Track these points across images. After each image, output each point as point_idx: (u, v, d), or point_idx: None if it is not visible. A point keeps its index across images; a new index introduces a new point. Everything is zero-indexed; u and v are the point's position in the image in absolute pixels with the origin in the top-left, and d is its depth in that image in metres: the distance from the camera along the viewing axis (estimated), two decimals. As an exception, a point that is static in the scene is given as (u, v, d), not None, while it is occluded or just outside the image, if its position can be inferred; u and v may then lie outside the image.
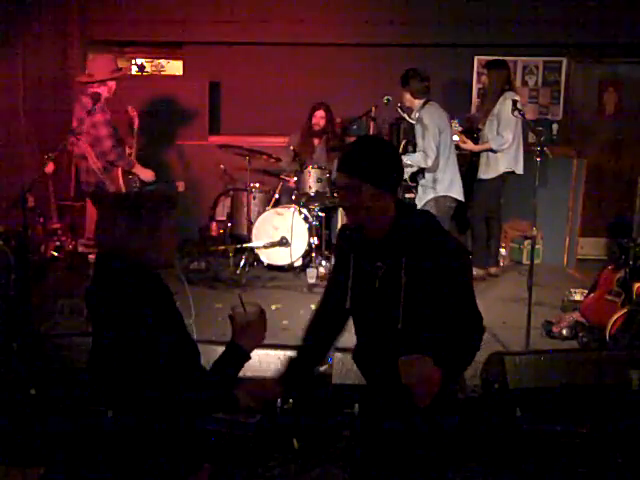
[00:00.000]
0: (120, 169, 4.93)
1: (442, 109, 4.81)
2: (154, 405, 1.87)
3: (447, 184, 4.71)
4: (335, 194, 5.75)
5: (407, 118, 5.01)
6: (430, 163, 4.60)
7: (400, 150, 5.12)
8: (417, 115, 4.75)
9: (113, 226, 1.92)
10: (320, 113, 6.06)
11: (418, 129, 4.71)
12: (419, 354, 1.95)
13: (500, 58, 5.85)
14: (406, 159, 4.69)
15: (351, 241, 2.24)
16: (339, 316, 2.32)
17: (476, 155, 5.75)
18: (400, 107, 5.04)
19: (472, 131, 5.75)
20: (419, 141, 4.68)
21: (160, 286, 1.96)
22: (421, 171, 4.71)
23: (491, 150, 5.58)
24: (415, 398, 1.93)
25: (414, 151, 4.78)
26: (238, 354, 2.02)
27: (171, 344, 1.88)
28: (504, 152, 5.55)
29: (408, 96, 4.78)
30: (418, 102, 4.75)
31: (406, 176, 4.83)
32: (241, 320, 2.05)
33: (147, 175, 5.04)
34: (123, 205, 1.96)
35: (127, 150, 5.10)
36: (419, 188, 4.80)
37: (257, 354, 2.90)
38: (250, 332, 2.05)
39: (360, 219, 2.15)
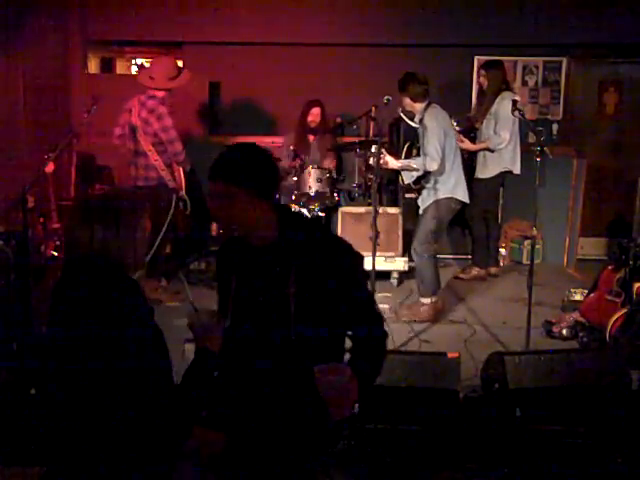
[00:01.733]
0: (182, 168, 5.13)
1: (444, 111, 4.78)
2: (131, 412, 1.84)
3: (452, 186, 4.67)
4: (332, 193, 5.77)
5: (410, 122, 4.98)
6: (436, 167, 4.54)
7: (403, 153, 5.09)
8: (420, 119, 4.70)
9: (91, 230, 1.89)
10: (317, 110, 6.07)
11: (422, 133, 4.66)
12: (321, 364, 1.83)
13: (496, 58, 5.86)
14: (412, 163, 4.66)
15: (233, 254, 2.12)
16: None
17: (473, 155, 5.75)
18: (402, 111, 5.02)
19: (470, 131, 5.75)
20: (424, 145, 4.63)
21: (139, 292, 1.93)
22: (426, 174, 4.67)
23: (488, 149, 5.59)
24: (331, 410, 1.83)
25: (418, 154, 4.74)
26: (207, 357, 1.99)
27: (150, 353, 1.86)
28: (501, 151, 5.57)
29: (408, 100, 4.74)
30: (419, 106, 4.70)
31: (411, 180, 4.80)
32: (198, 324, 2.02)
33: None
34: (100, 208, 1.93)
35: None
36: (424, 191, 4.75)
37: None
38: (210, 333, 2.01)
39: (238, 229, 2.03)
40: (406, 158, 4.91)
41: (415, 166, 4.64)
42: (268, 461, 1.97)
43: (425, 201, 4.73)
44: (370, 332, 2.06)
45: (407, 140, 5.43)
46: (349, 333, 1.95)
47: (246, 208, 1.97)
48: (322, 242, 2.04)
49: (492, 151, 5.58)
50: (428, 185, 4.70)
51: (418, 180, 4.76)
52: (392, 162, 4.71)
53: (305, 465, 2.01)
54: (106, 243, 1.89)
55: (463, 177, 4.80)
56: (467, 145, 5.58)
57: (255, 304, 2.04)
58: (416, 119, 4.80)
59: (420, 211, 4.80)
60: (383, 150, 4.70)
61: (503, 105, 5.44)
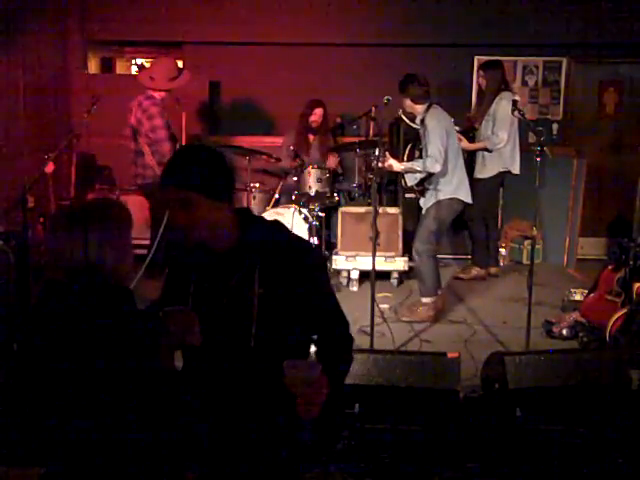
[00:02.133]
0: None
1: (445, 112, 4.78)
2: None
3: (454, 187, 4.66)
4: (332, 193, 5.77)
5: (411, 124, 4.98)
6: (439, 168, 4.53)
7: (406, 156, 5.08)
8: (422, 120, 4.69)
9: (85, 238, 1.77)
10: (320, 111, 6.08)
11: (424, 134, 4.65)
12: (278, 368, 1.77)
13: (495, 58, 5.86)
14: (415, 166, 4.66)
15: (190, 261, 2.03)
16: None
17: (473, 155, 5.75)
18: (402, 113, 5.01)
19: (469, 131, 5.75)
20: (426, 146, 4.62)
21: (133, 302, 1.86)
22: (428, 176, 4.67)
23: (486, 149, 5.59)
24: (301, 409, 1.78)
25: (420, 156, 4.73)
26: (193, 353, 1.92)
27: (146, 364, 1.80)
28: (500, 152, 5.57)
29: (408, 102, 4.72)
30: (420, 107, 4.69)
31: (414, 182, 4.80)
32: (175, 323, 1.92)
33: None
34: (92, 214, 1.83)
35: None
36: (427, 193, 4.75)
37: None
38: (189, 329, 1.93)
39: (199, 236, 1.92)
40: (408, 160, 4.89)
41: (418, 168, 4.62)
42: (244, 466, 1.94)
43: (427, 201, 4.73)
44: (335, 335, 2.03)
45: (407, 141, 5.42)
46: (314, 337, 1.86)
47: (207, 213, 1.88)
48: (284, 243, 1.99)
49: (490, 151, 5.59)
50: (431, 186, 4.69)
51: (421, 182, 4.75)
52: (395, 165, 4.70)
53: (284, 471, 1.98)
54: (102, 251, 1.79)
55: (466, 177, 4.79)
56: (465, 144, 5.57)
57: (217, 309, 1.96)
58: (417, 120, 4.79)
59: (423, 211, 4.79)
60: (386, 153, 4.70)
61: (501, 105, 5.45)
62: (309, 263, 2.00)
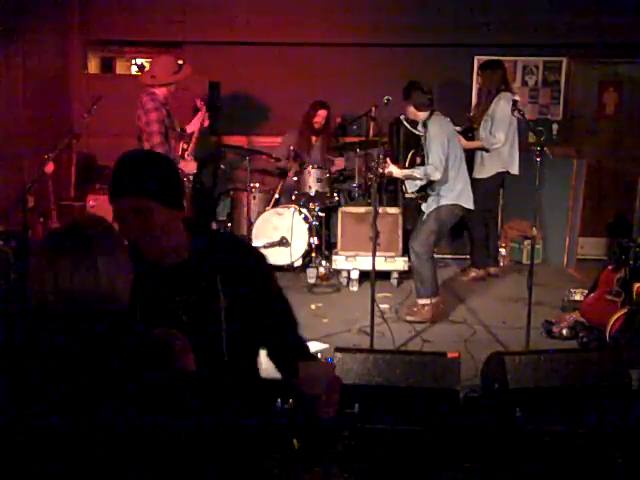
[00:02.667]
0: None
1: (447, 118, 4.78)
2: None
3: (457, 193, 4.66)
4: (332, 193, 5.76)
5: (413, 130, 4.98)
6: (439, 176, 4.53)
7: (407, 162, 5.08)
8: (424, 128, 4.70)
9: (96, 266, 1.50)
10: (324, 112, 6.11)
11: (425, 142, 4.65)
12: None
13: (496, 58, 5.86)
14: (415, 173, 4.66)
15: (137, 275, 1.80)
16: None
17: (471, 155, 5.74)
18: (405, 119, 5.01)
19: (468, 131, 5.75)
20: (427, 153, 4.63)
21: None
22: (430, 182, 4.66)
23: (484, 149, 5.59)
24: (321, 409, 1.76)
25: (422, 163, 4.74)
26: (189, 379, 1.76)
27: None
28: (498, 152, 5.56)
29: (411, 109, 4.73)
30: (423, 114, 4.69)
31: (414, 189, 4.80)
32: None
33: (190, 167, 5.16)
34: (100, 235, 1.56)
35: (183, 146, 5.23)
36: (429, 198, 4.74)
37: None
38: (184, 354, 1.78)
39: (158, 248, 1.80)
40: (410, 167, 4.90)
41: (418, 175, 4.63)
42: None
43: (429, 206, 4.73)
44: (293, 334, 2.00)
45: (408, 142, 5.42)
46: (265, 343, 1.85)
47: (163, 223, 1.77)
48: (237, 250, 1.94)
49: (487, 151, 5.59)
50: (433, 192, 4.69)
51: (422, 189, 4.74)
52: (395, 171, 4.71)
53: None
54: (113, 279, 1.54)
55: (469, 184, 4.80)
56: (463, 142, 5.55)
57: (176, 328, 1.78)
58: (419, 127, 4.79)
59: (424, 216, 4.78)
60: (387, 159, 4.70)
61: (500, 106, 5.45)
62: (262, 265, 1.96)
